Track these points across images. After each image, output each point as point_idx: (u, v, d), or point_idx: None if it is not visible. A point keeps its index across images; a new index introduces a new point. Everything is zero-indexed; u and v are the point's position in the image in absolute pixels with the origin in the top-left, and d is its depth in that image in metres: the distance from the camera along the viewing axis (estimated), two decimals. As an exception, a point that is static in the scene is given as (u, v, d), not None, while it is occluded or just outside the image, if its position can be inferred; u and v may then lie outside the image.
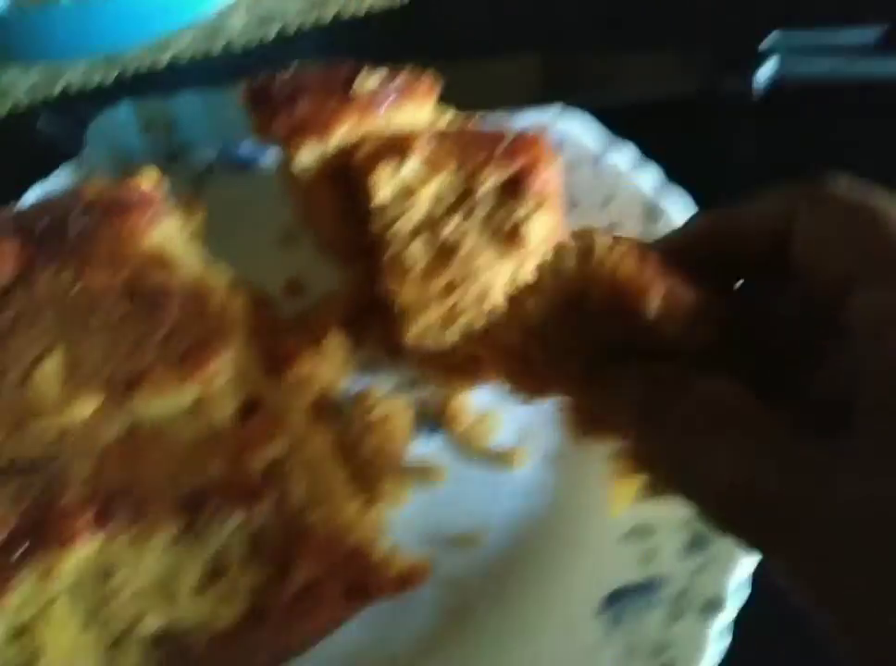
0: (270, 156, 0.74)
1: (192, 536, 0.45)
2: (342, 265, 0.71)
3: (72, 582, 0.44)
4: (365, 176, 0.57)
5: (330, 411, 0.65)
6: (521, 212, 0.56)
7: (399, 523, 0.59)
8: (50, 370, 0.49)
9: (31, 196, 0.73)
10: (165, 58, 0.91)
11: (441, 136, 0.59)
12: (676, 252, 0.45)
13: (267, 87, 0.63)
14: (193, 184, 0.75)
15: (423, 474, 0.61)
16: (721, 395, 0.36)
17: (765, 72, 0.79)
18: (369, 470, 0.60)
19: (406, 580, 0.54)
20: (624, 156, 0.70)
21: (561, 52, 0.80)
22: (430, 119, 0.64)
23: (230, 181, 0.75)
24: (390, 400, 0.65)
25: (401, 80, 0.62)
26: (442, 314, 0.60)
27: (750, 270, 0.42)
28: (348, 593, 0.52)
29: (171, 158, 0.75)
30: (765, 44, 0.81)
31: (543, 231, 0.57)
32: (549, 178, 0.56)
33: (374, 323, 0.68)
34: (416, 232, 0.58)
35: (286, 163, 0.66)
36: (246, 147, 0.75)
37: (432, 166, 0.57)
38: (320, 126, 0.60)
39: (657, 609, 0.54)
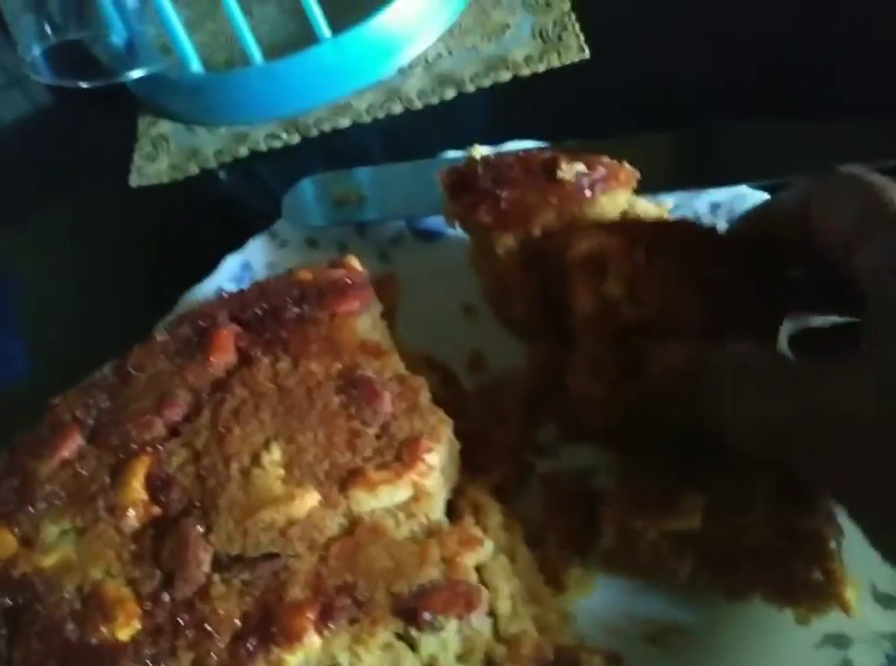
0: (457, 229, 0.75)
1: (408, 639, 0.46)
2: (526, 341, 0.72)
3: (295, 679, 0.46)
4: (571, 280, 0.57)
5: (511, 493, 0.65)
6: None
7: (585, 614, 0.59)
8: (272, 463, 0.51)
9: (227, 266, 0.76)
10: (347, 120, 0.93)
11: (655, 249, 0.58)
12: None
13: (468, 174, 0.64)
14: (381, 254, 0.77)
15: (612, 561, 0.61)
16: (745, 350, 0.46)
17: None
18: (556, 558, 0.60)
19: (605, 684, 0.54)
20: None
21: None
22: (627, 205, 0.64)
23: (417, 252, 0.77)
24: (576, 481, 0.65)
25: (603, 168, 0.62)
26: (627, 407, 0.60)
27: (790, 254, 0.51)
28: (548, 693, 0.53)
29: (360, 228, 0.78)
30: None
31: None
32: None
33: (558, 402, 0.69)
34: (616, 339, 0.57)
35: (478, 246, 0.68)
36: (433, 218, 0.76)
37: (637, 288, 0.56)
38: (523, 215, 0.61)
39: (859, 730, 0.52)
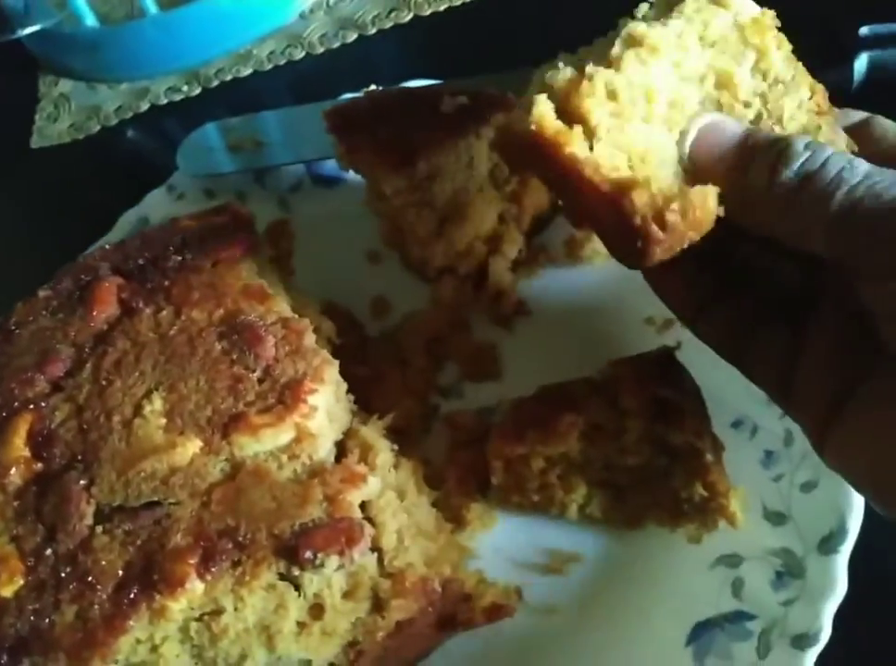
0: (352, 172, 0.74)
1: (291, 579, 0.46)
2: (430, 282, 0.71)
3: (180, 623, 0.46)
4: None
5: (416, 434, 0.66)
6: None
7: (488, 548, 0.60)
8: (153, 413, 0.51)
9: (125, 221, 0.75)
10: (248, 68, 0.91)
11: None
12: None
13: (348, 113, 0.63)
14: (281, 201, 0.76)
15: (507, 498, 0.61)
16: None
17: (862, 65, 0.76)
18: (456, 497, 0.61)
19: (495, 612, 0.55)
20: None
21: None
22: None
23: (318, 198, 0.76)
24: (476, 419, 0.65)
25: (486, 99, 0.61)
26: None
27: None
28: (439, 624, 0.54)
29: (259, 177, 0.76)
30: (858, 38, 0.77)
31: None
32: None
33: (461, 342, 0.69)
34: None
35: (371, 187, 0.67)
36: (333, 164, 0.75)
37: None
38: (408, 152, 0.60)
39: (746, 641, 0.53)
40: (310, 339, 0.53)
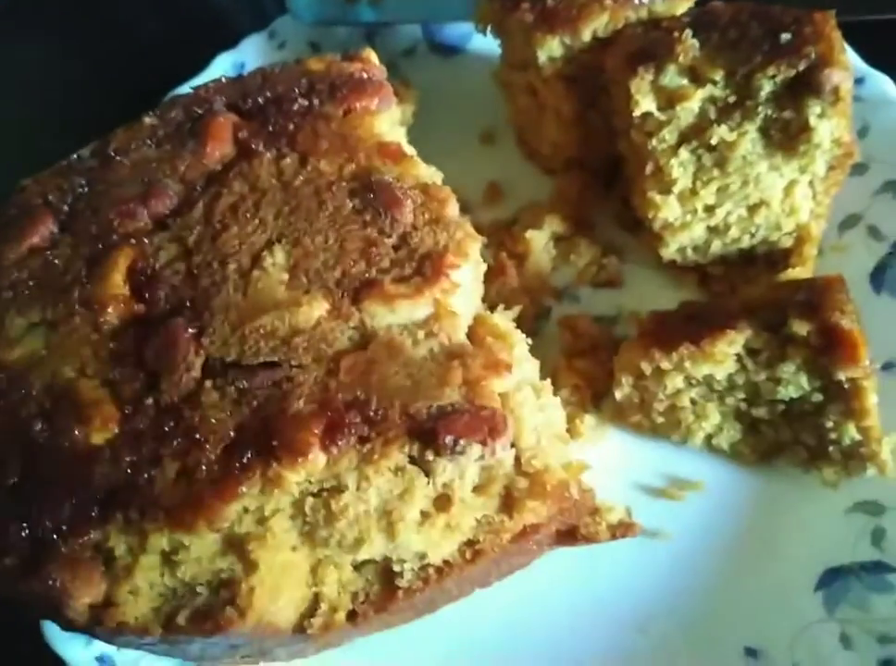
0: (481, 42, 0.67)
1: (422, 464, 0.42)
2: (551, 173, 0.65)
3: (295, 497, 0.41)
4: (622, 82, 0.51)
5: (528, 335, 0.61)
6: (810, 111, 0.49)
7: (597, 463, 0.55)
8: (275, 266, 0.45)
9: (220, 64, 0.68)
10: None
11: (708, 29, 0.52)
12: None
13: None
14: (391, 65, 0.69)
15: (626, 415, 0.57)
16: None
17: None
18: (569, 406, 0.56)
19: (621, 530, 0.50)
20: (883, 85, 0.62)
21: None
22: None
23: (432, 66, 0.69)
24: (596, 327, 0.60)
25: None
26: (709, 228, 0.55)
27: None
28: (559, 535, 0.49)
29: (370, 35, 0.69)
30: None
31: (833, 134, 0.51)
32: (844, 73, 0.50)
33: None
34: (681, 141, 0.52)
35: (513, 55, 0.60)
36: (454, 30, 0.68)
37: (699, 70, 0.51)
38: (573, 16, 0.54)
39: (886, 593, 0.49)
40: (453, 209, 0.48)
